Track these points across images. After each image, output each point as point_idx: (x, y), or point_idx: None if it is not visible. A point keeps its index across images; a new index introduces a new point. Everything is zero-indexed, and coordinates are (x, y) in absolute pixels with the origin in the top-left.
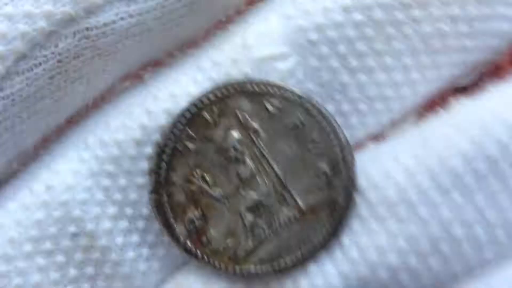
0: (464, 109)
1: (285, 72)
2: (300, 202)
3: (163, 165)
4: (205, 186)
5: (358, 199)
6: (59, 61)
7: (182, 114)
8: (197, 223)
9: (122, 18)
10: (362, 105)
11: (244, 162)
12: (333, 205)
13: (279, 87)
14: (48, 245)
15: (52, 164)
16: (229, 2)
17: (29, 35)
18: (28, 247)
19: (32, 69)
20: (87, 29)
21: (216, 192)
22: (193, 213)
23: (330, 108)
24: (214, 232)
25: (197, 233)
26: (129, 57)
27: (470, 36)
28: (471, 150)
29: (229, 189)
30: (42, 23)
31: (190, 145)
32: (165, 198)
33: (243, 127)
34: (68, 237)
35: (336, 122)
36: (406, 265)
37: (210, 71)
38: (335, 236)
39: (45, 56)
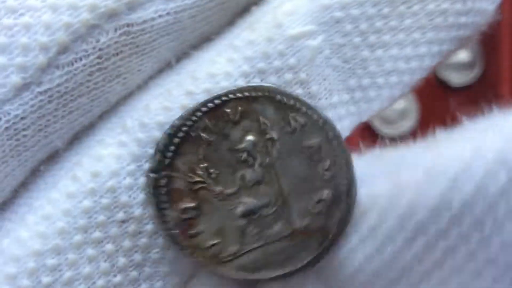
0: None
1: (315, 48)
2: (296, 221)
3: (172, 147)
4: (208, 180)
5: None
6: (99, 57)
7: (205, 103)
8: (190, 213)
9: (160, 16)
10: (380, 79)
11: (253, 167)
12: (326, 233)
13: (308, 106)
14: (97, 234)
15: (90, 150)
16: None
17: (72, 26)
18: (78, 237)
19: (72, 64)
20: (127, 25)
21: (217, 189)
22: (189, 203)
23: (352, 82)
24: (203, 227)
25: (188, 223)
26: (162, 56)
27: (465, 14)
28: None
29: (230, 190)
30: (86, 15)
31: (204, 136)
32: (164, 181)
33: (262, 133)
34: (117, 225)
35: (351, 156)
36: None
37: (246, 49)
38: (320, 262)
39: (86, 50)
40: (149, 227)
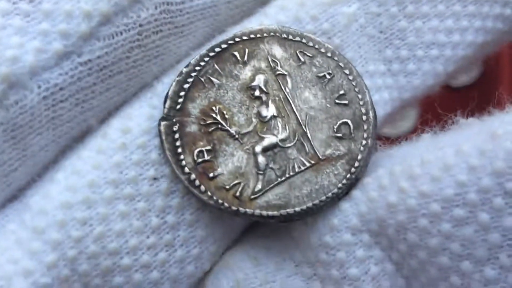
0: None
1: (350, 15)
2: (318, 151)
3: (181, 93)
4: (222, 121)
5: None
6: (139, 33)
7: (212, 48)
8: (206, 156)
9: None
10: (419, 51)
11: (267, 104)
12: (352, 158)
13: (314, 41)
14: (128, 189)
15: (120, 113)
16: None
17: None
18: (109, 192)
19: (113, 37)
20: (167, 3)
21: (233, 128)
22: (204, 146)
23: (389, 53)
24: (222, 169)
25: (205, 166)
26: (197, 40)
27: None
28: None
29: (246, 128)
30: None
31: (214, 80)
32: (176, 126)
33: (272, 71)
34: (148, 182)
35: (363, 80)
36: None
37: (277, 15)
38: (350, 189)
39: (126, 24)
40: (182, 186)
